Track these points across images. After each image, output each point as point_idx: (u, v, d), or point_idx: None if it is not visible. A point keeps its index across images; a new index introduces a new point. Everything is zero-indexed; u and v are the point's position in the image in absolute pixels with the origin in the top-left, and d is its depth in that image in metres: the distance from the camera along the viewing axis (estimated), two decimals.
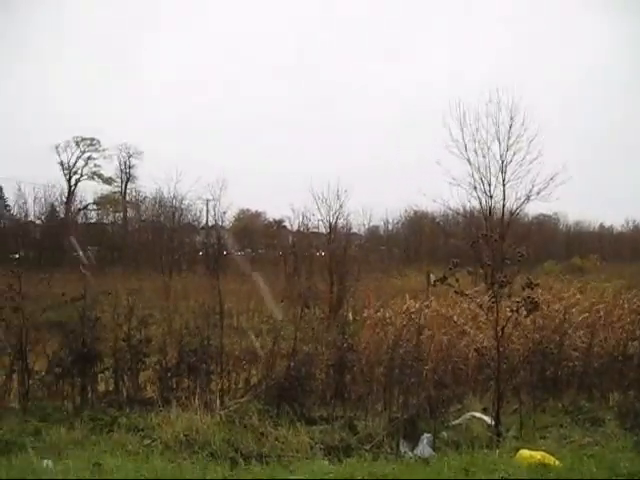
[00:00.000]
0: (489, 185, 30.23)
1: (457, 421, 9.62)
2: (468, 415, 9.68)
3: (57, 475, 6.51)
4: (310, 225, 47.53)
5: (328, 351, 11.37)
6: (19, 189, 58.73)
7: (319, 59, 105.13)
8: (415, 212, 64.37)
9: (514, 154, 30.00)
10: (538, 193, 29.77)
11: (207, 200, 60.47)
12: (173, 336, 11.77)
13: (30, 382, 10.79)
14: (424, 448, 8.68)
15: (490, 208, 30.20)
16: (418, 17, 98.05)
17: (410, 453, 8.61)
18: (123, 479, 6.64)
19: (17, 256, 48.85)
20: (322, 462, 7.95)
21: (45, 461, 7.37)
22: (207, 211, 62.07)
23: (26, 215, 59.75)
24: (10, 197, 61.96)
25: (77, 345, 10.99)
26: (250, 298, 26.99)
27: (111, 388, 11.34)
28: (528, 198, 30.26)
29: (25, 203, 59.32)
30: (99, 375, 11.33)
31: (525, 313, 9.58)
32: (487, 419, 9.43)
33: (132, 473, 6.77)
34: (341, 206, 40.74)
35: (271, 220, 69.34)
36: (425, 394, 10.04)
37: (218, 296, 12.28)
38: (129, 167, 71.11)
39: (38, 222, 60.68)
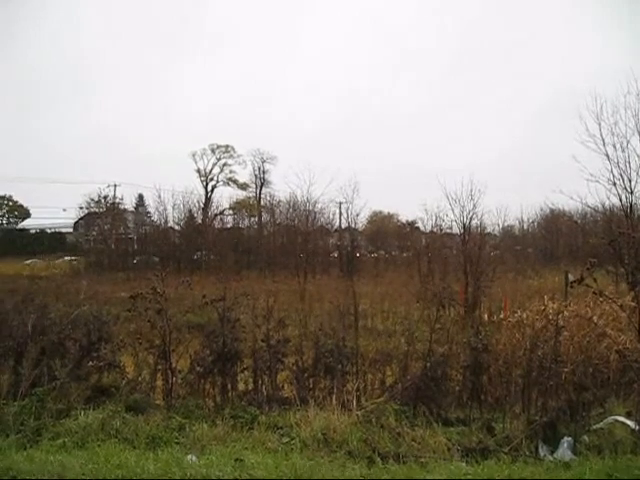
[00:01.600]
0: (629, 181, 28.62)
1: (599, 425, 9.32)
2: (611, 419, 9.36)
3: (201, 469, 6.77)
4: (443, 226, 47.03)
5: (463, 352, 11.29)
6: (159, 197, 61.16)
7: (450, 60, 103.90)
8: (551, 210, 62.40)
9: None
10: None
11: (340, 203, 61.08)
12: (309, 337, 12.01)
13: (173, 380, 11.28)
14: (564, 452, 8.49)
15: (631, 205, 28.74)
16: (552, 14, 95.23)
17: (550, 457, 8.44)
18: (265, 476, 6.83)
19: (156, 259, 51.08)
20: (459, 463, 7.94)
21: (189, 456, 7.76)
22: (340, 214, 62.69)
23: (166, 221, 62.06)
24: (151, 204, 64.69)
25: (217, 345, 11.40)
26: (384, 300, 27.10)
27: (250, 387, 11.68)
28: None
29: (165, 210, 61.65)
30: (239, 374, 11.71)
31: None
32: (631, 423, 9.08)
33: (272, 469, 6.97)
34: (475, 206, 39.90)
35: (404, 221, 68.94)
36: (565, 397, 9.82)
37: (352, 298, 12.44)
38: (263, 172, 72.97)
39: (177, 228, 62.72)
